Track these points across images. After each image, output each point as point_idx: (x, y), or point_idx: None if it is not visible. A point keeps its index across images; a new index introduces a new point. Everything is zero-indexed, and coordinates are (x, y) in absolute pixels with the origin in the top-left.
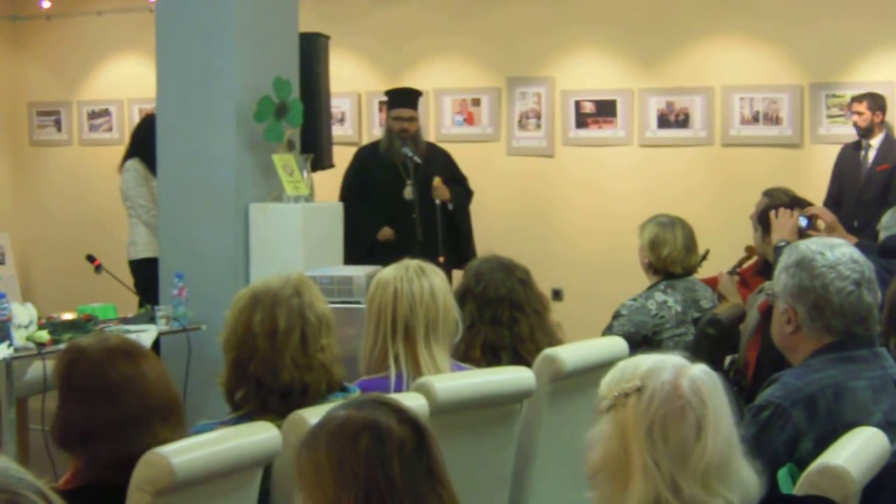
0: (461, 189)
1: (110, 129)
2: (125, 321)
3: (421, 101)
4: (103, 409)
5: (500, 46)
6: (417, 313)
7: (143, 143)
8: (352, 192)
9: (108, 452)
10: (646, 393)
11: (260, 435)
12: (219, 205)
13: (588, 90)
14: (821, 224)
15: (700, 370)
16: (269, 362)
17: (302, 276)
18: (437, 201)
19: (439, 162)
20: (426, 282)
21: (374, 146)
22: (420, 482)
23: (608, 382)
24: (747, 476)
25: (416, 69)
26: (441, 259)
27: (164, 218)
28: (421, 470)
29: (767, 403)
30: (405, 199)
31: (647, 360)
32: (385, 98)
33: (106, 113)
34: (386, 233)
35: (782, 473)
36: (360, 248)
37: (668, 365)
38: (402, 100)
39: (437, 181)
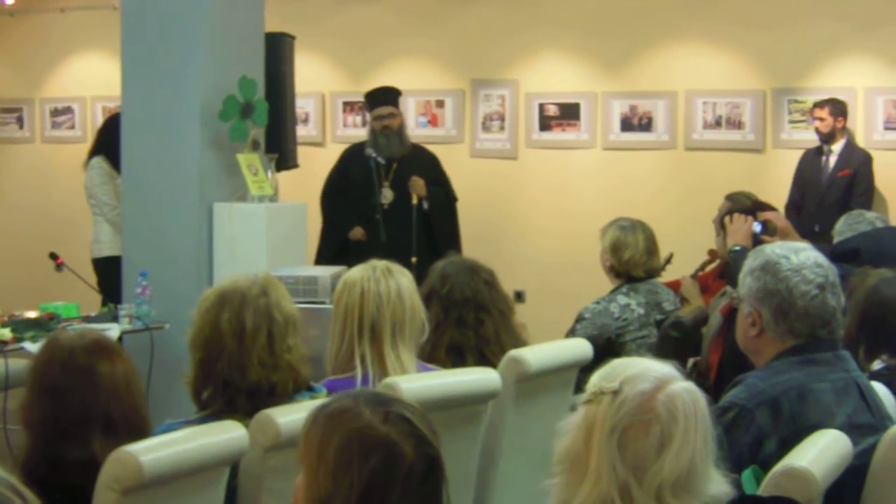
0: (440, 190)
1: (73, 127)
2: (88, 319)
3: None
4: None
5: (465, 48)
6: (384, 314)
7: (108, 142)
8: (332, 189)
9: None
10: (619, 397)
11: (227, 434)
12: (183, 204)
13: (552, 93)
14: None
15: (683, 387)
16: (237, 362)
17: (269, 276)
18: (414, 200)
19: (424, 163)
20: (393, 282)
21: (360, 145)
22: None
23: (596, 376)
24: (715, 490)
25: (381, 70)
26: (413, 260)
27: (129, 216)
28: (420, 500)
29: (731, 405)
30: (378, 200)
31: (635, 365)
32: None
33: (69, 111)
34: (357, 232)
35: (746, 475)
36: (331, 245)
37: (651, 375)
38: (380, 98)
39: (415, 177)
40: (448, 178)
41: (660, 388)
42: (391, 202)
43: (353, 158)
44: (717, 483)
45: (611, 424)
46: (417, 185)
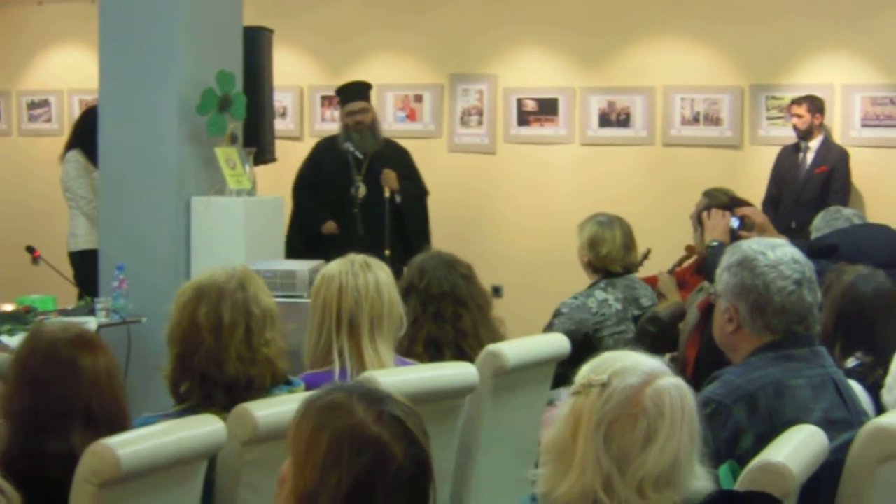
0: (412, 185)
1: (50, 120)
2: (64, 313)
3: None
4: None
5: (444, 43)
6: (362, 308)
7: (85, 135)
8: (304, 183)
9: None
10: (607, 390)
11: (205, 427)
12: (160, 197)
13: (530, 88)
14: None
15: (671, 382)
16: (214, 356)
17: (247, 270)
18: (386, 194)
19: (396, 158)
20: (371, 276)
21: (333, 139)
22: None
23: (586, 368)
24: (698, 486)
25: (359, 64)
26: (387, 252)
27: (105, 210)
28: (407, 502)
29: (709, 400)
30: (351, 194)
31: (624, 359)
32: (337, 97)
33: (45, 103)
34: (330, 226)
35: (723, 470)
36: (301, 238)
37: (640, 370)
38: (352, 94)
39: (387, 171)
40: (419, 172)
41: (648, 382)
42: (364, 196)
43: (325, 152)
44: (701, 479)
45: (598, 417)
46: (390, 179)
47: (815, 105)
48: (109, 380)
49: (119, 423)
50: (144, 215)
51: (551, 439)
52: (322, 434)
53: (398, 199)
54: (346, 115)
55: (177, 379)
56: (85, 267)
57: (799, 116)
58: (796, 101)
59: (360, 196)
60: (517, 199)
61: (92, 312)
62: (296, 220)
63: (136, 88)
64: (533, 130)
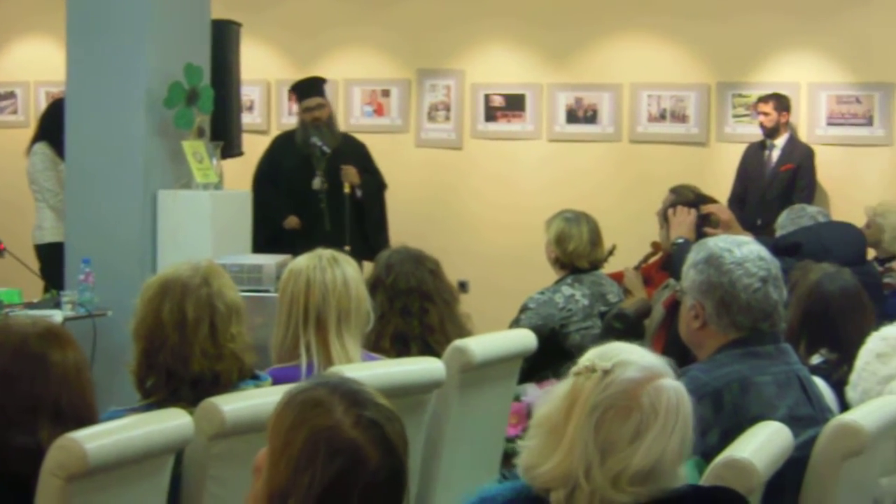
0: (371, 178)
1: (16, 112)
2: (30, 306)
3: (330, 91)
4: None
5: (411, 38)
6: (330, 303)
7: (52, 127)
8: (263, 178)
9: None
10: (608, 378)
11: (172, 422)
12: (127, 190)
13: (498, 84)
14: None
15: (672, 385)
16: (179, 352)
17: (212, 264)
18: (346, 189)
19: (354, 153)
20: (339, 271)
21: (290, 134)
22: None
23: (593, 352)
24: (674, 486)
25: (327, 59)
26: (347, 248)
27: (72, 203)
28: (381, 500)
29: None
30: (314, 189)
31: (633, 352)
32: (293, 94)
33: (11, 95)
34: (292, 221)
35: (688, 466)
36: (263, 234)
37: (644, 364)
38: (307, 90)
39: (346, 166)
40: (376, 165)
41: (650, 379)
42: (326, 191)
43: (283, 148)
44: (681, 481)
45: (593, 402)
46: (350, 174)
47: (782, 103)
48: (78, 375)
49: (87, 418)
50: (111, 208)
51: (545, 414)
52: (299, 431)
53: (359, 193)
54: (302, 111)
55: (142, 374)
56: (51, 260)
57: (765, 114)
58: (763, 100)
59: (321, 190)
60: (484, 195)
61: (57, 306)
62: (257, 216)
63: (103, 81)
64: (500, 126)
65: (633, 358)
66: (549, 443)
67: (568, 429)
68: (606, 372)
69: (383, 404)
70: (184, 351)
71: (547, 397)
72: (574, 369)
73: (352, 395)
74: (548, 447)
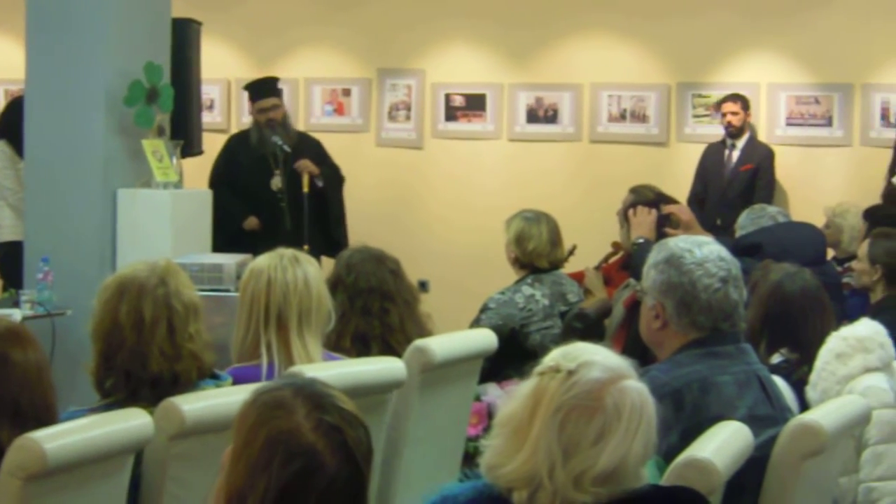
0: (331, 171)
1: None
2: None
3: (291, 90)
4: None
5: (372, 37)
6: (291, 302)
7: (11, 125)
8: (219, 180)
9: None
10: (572, 379)
11: (132, 421)
12: (87, 189)
13: (458, 83)
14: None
15: (636, 386)
16: (137, 353)
17: (169, 264)
18: (305, 186)
19: (310, 150)
20: (300, 271)
21: (245, 134)
22: None
23: (558, 351)
24: (635, 487)
25: (287, 58)
26: (305, 248)
27: (31, 201)
28: (339, 500)
29: None
30: (272, 189)
31: (598, 353)
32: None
33: None
34: (252, 222)
35: (649, 466)
36: (223, 236)
37: (608, 366)
38: (261, 91)
39: (301, 161)
40: (333, 161)
41: (614, 381)
42: (284, 190)
43: (238, 148)
44: (643, 482)
45: (557, 402)
46: (307, 165)
47: (746, 103)
48: (39, 374)
49: (47, 418)
50: (70, 207)
51: (509, 414)
52: (259, 432)
53: (320, 183)
54: (257, 112)
55: (101, 375)
56: (10, 258)
57: (734, 114)
58: (731, 99)
59: (280, 189)
60: (445, 195)
61: (16, 304)
62: (215, 218)
63: (63, 79)
64: (461, 126)
65: (598, 359)
66: (512, 442)
67: (532, 429)
68: (571, 372)
69: (347, 409)
70: (142, 351)
71: (511, 397)
72: (538, 369)
73: (316, 398)
74: (512, 447)
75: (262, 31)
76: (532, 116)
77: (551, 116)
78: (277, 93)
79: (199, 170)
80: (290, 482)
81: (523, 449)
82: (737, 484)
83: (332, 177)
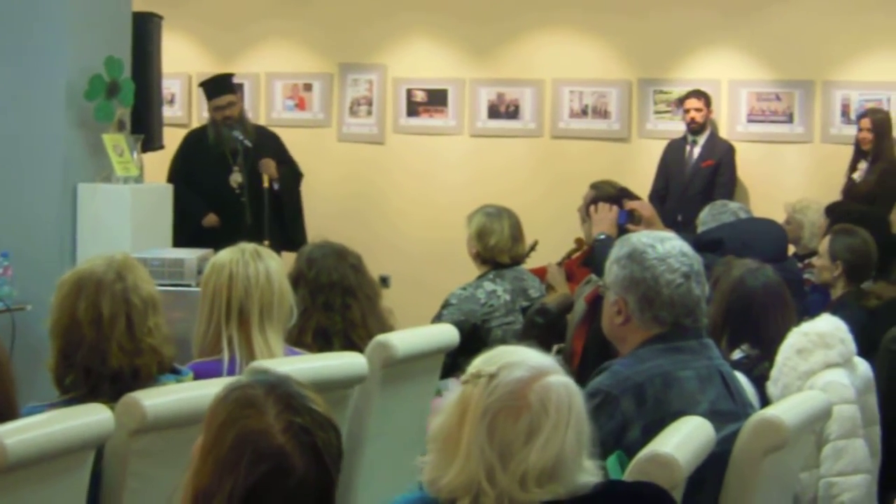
0: (288, 169)
1: None
2: None
3: (252, 85)
4: None
5: (333, 32)
6: (252, 297)
7: None
8: (177, 177)
9: None
10: (494, 381)
11: (92, 417)
12: (46, 184)
13: (420, 79)
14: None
15: (559, 381)
16: (96, 350)
17: (126, 258)
18: (266, 182)
19: (269, 145)
20: (262, 265)
21: (202, 131)
22: None
23: (479, 359)
24: (583, 479)
25: (248, 52)
26: (265, 243)
27: None
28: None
29: (597, 391)
30: (231, 185)
31: (517, 353)
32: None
33: None
34: (211, 219)
35: (611, 461)
36: (183, 233)
37: (530, 364)
38: (216, 89)
39: (265, 160)
40: (291, 156)
41: (536, 378)
42: (244, 186)
43: (195, 145)
44: (589, 473)
45: (483, 407)
46: (269, 168)
47: (708, 99)
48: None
49: (8, 414)
50: (30, 202)
51: (438, 427)
52: (229, 431)
53: (276, 186)
54: (213, 109)
55: (61, 372)
56: None
57: (698, 110)
58: (695, 95)
59: (240, 184)
60: (406, 190)
61: None
62: (175, 217)
63: (22, 73)
64: (422, 121)
65: (518, 359)
66: (446, 454)
67: (462, 437)
68: (492, 376)
69: (319, 411)
70: (101, 347)
71: (439, 410)
72: (462, 378)
73: (287, 398)
74: (445, 458)
75: (223, 26)
76: (493, 112)
77: (513, 112)
78: (233, 90)
79: (159, 164)
80: (258, 483)
81: (457, 459)
82: (698, 479)
83: (290, 175)
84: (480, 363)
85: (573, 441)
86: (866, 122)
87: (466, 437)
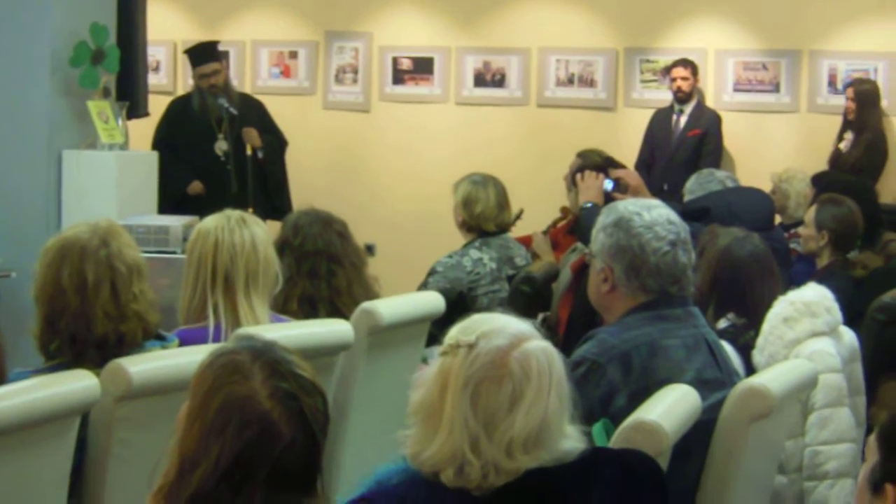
0: (273, 138)
1: None
2: None
3: (237, 52)
4: None
5: (319, 0)
6: (238, 264)
7: None
8: (162, 145)
9: None
10: (474, 351)
11: (78, 383)
12: (31, 151)
13: (406, 47)
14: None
15: (539, 346)
16: (82, 316)
17: (110, 224)
18: (249, 150)
19: (253, 113)
20: (247, 232)
21: (186, 99)
22: (286, 485)
23: (455, 329)
24: (569, 446)
25: (234, 20)
26: (250, 210)
27: None
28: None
29: (583, 360)
30: (216, 153)
31: (494, 321)
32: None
33: None
34: (196, 187)
35: (597, 428)
36: (169, 201)
37: (508, 331)
38: (201, 56)
39: (247, 129)
40: (275, 123)
41: (515, 345)
42: (229, 153)
43: (180, 112)
44: (572, 439)
45: (464, 378)
46: (252, 136)
47: (695, 68)
48: None
49: None
50: (15, 168)
51: (419, 401)
52: (215, 397)
53: (260, 155)
54: (198, 77)
55: (46, 339)
56: None
57: (684, 79)
58: (682, 64)
59: (225, 152)
60: (392, 157)
61: None
62: (160, 185)
63: (7, 40)
64: (408, 89)
65: (495, 327)
66: (428, 427)
67: (444, 410)
68: (471, 346)
69: (305, 376)
70: (86, 314)
71: (418, 384)
72: (440, 350)
73: (273, 364)
74: (428, 432)
75: None
76: (480, 80)
77: (499, 80)
78: (218, 57)
79: (144, 131)
80: (244, 449)
81: (440, 432)
82: (684, 447)
83: (274, 144)
84: (457, 333)
85: (556, 405)
86: (850, 93)
87: (449, 409)
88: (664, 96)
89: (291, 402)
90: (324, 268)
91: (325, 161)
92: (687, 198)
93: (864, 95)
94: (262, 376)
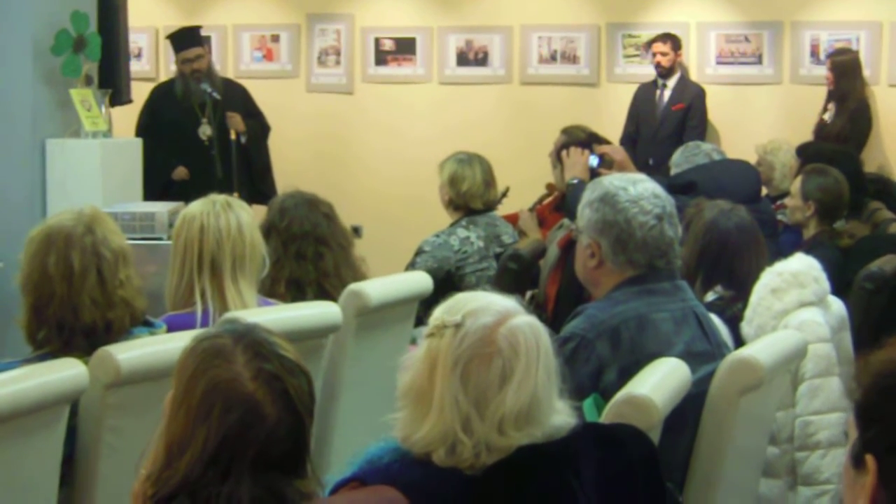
0: (256, 123)
1: None
2: None
3: (219, 37)
4: None
5: None
6: (224, 248)
7: None
8: (145, 132)
9: None
10: (461, 330)
11: (66, 371)
12: (14, 140)
13: (387, 27)
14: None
15: (525, 321)
16: (68, 304)
17: (95, 211)
18: (233, 135)
19: (236, 97)
20: (233, 216)
21: (169, 85)
22: (274, 467)
23: (439, 309)
24: (559, 421)
25: (215, 4)
26: (235, 195)
27: None
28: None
29: (572, 335)
30: (201, 138)
31: (478, 299)
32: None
33: None
34: (181, 172)
35: (587, 404)
36: (154, 187)
37: (494, 309)
38: (183, 41)
39: (231, 113)
40: (258, 108)
41: (501, 322)
42: (213, 138)
43: (163, 98)
44: (562, 414)
45: (453, 358)
46: (236, 121)
47: (676, 43)
48: None
49: None
50: None
51: (408, 382)
52: (198, 382)
53: (244, 140)
54: (181, 62)
55: (33, 328)
56: None
57: (664, 54)
58: (661, 39)
59: (205, 138)
60: (376, 138)
61: None
62: (144, 172)
63: None
64: (391, 70)
65: (481, 305)
66: (418, 409)
67: (434, 391)
68: (458, 325)
69: (288, 357)
70: (73, 302)
71: (406, 367)
72: (426, 331)
73: (255, 345)
74: (418, 413)
75: None
76: (462, 59)
77: (481, 59)
78: (201, 42)
79: (127, 119)
80: (230, 432)
81: (430, 413)
82: (675, 420)
83: (258, 129)
84: (442, 314)
85: (544, 379)
86: (829, 63)
87: (439, 390)
88: (647, 71)
89: (275, 383)
90: (311, 250)
91: (309, 144)
92: (673, 171)
93: (842, 66)
94: (245, 358)
